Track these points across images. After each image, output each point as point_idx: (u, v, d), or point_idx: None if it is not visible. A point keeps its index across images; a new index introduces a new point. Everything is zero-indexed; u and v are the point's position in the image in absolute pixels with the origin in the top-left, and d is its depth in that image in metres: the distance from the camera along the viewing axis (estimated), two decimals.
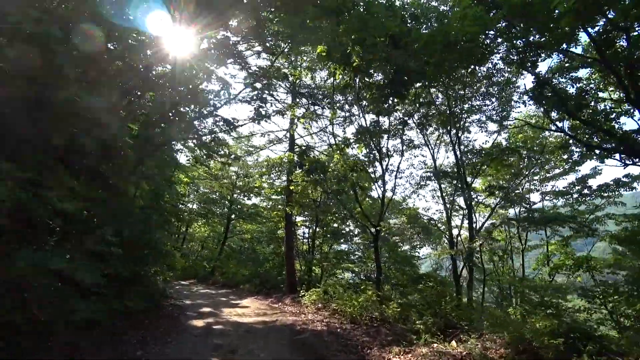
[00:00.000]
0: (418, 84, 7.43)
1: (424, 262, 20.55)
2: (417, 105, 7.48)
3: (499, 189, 11.89)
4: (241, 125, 10.01)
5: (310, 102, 15.75)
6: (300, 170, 9.44)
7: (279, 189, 13.08)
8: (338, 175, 9.42)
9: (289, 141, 16.30)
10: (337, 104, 14.81)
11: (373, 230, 11.52)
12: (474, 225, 12.87)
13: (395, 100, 7.38)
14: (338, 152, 7.55)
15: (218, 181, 20.14)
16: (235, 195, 26.41)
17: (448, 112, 11.78)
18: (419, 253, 17.13)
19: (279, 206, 21.17)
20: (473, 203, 12.78)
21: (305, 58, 13.77)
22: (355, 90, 9.75)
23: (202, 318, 8.97)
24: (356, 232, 19.79)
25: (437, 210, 16.34)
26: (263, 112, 8.96)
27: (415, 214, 17.23)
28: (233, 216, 27.47)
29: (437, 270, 24.60)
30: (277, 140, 17.15)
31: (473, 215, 12.84)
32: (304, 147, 7.95)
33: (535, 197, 16.89)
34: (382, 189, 11.62)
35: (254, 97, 8.77)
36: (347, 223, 19.73)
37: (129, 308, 7.13)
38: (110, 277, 6.51)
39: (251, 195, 28.53)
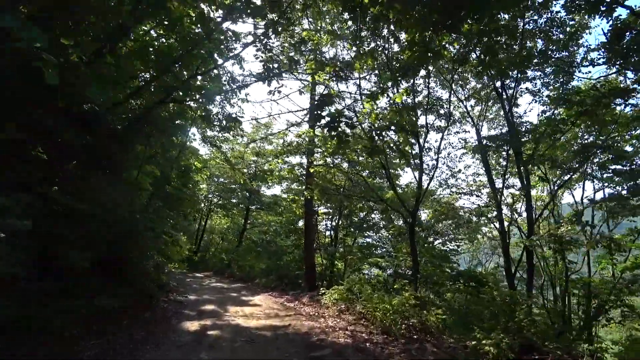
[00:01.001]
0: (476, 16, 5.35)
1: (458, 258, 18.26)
2: (474, 44, 5.48)
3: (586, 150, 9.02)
4: (249, 85, 8.28)
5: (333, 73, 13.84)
6: (319, 128, 7.57)
7: (294, 172, 11.25)
8: (369, 134, 7.37)
9: (310, 123, 14.55)
10: (365, 74, 12.83)
11: (408, 219, 9.50)
12: (533, 210, 10.52)
13: (445, 37, 5.38)
14: (370, 101, 5.74)
15: (236, 169, 18.63)
16: (254, 185, 25.10)
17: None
18: (457, 247, 14.85)
19: (298, 197, 19.55)
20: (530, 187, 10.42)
21: (326, 20, 11.82)
22: (386, 41, 7.74)
23: (199, 319, 7.39)
24: (382, 225, 17.81)
25: (474, 201, 14.00)
26: (271, 67, 7.15)
27: (450, 205, 15.01)
28: (252, 207, 26.23)
29: (476, 267, 22.15)
30: (297, 124, 15.46)
31: (531, 199, 10.48)
32: (324, 96, 6.16)
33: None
34: (418, 170, 9.55)
35: (259, 46, 6.96)
36: (374, 213, 17.80)
37: (102, 307, 5.64)
38: (73, 271, 5.00)
39: (270, 184, 27.25)
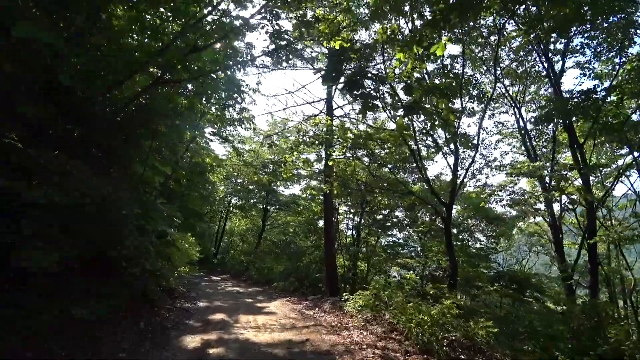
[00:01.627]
0: None
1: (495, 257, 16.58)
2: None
3: None
4: (255, 59, 7.21)
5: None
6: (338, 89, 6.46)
7: (310, 164, 10.12)
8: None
9: (327, 113, 13.43)
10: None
11: (443, 213, 8.17)
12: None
13: None
14: (404, 50, 4.55)
15: (251, 166, 17.65)
16: (271, 184, 24.29)
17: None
18: (494, 244, 13.27)
19: (316, 192, 18.47)
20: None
21: None
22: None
23: (204, 332, 6.39)
24: (406, 222, 16.40)
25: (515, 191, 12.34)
26: (281, 37, 6.05)
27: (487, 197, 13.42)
28: (270, 208, 25.45)
29: (515, 266, 20.28)
30: (314, 116, 14.37)
31: (590, 185, 8.85)
32: (343, 49, 5.04)
33: None
34: (453, 155, 8.21)
35: (266, 15, 5.89)
36: (397, 210, 16.45)
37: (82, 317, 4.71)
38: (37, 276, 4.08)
39: (285, 179, 26.36)
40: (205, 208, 28.07)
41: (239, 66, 6.84)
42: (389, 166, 11.82)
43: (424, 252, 12.79)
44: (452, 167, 8.37)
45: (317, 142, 9.95)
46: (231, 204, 28.38)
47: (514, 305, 9.85)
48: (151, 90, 6.92)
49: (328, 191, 10.38)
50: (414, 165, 15.47)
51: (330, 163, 10.98)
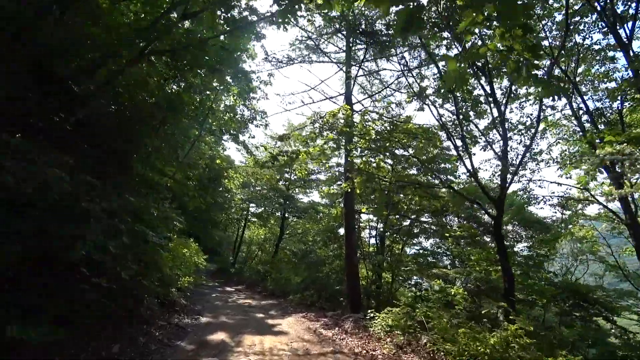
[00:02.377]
0: None
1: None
2: None
3: None
4: (257, 23, 6.02)
5: (371, 42, 11.38)
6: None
7: (326, 152, 8.76)
8: None
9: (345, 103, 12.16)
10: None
11: (491, 210, 6.57)
12: None
13: None
14: None
15: (266, 166, 16.31)
16: (289, 191, 23.18)
17: None
18: (545, 251, 11.34)
19: (336, 190, 17.11)
20: None
21: None
22: None
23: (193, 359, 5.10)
24: (433, 229, 14.69)
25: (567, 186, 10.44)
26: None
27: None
28: (288, 215, 24.29)
29: (566, 276, 17.99)
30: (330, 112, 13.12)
31: None
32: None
33: None
34: (502, 138, 6.64)
35: None
36: (424, 216, 14.85)
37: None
38: None
39: (307, 191, 25.19)
40: (220, 216, 27.41)
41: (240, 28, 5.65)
42: (417, 166, 10.34)
43: (460, 261, 11.05)
44: (499, 154, 6.80)
45: (335, 132, 8.62)
46: (249, 212, 27.44)
47: (580, 325, 7.98)
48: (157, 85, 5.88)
49: (349, 190, 8.98)
50: (444, 165, 13.91)
51: (350, 158, 9.65)
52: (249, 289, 17.34)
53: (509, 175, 7.59)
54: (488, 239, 12.67)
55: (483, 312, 5.86)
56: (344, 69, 13.18)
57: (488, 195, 6.74)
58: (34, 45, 5.60)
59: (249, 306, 11.23)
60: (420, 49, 10.42)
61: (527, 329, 4.47)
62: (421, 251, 15.54)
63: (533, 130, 8.38)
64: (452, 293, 6.58)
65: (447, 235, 12.12)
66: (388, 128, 9.17)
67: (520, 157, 7.51)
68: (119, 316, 5.73)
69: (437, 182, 8.15)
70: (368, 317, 7.69)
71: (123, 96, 7.45)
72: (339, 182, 19.20)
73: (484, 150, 9.19)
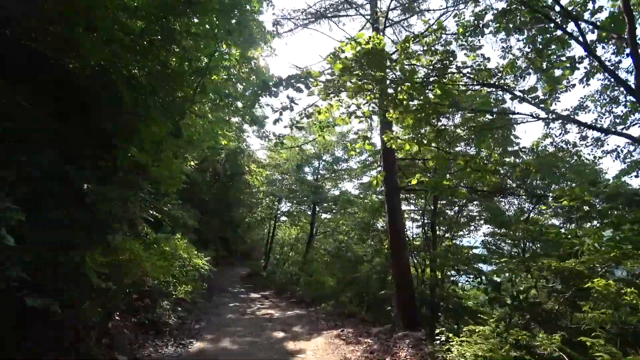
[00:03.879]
0: None
1: None
2: None
3: None
4: None
5: None
6: None
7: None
8: None
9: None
10: None
11: None
12: None
13: None
14: None
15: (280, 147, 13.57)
16: (318, 182, 20.74)
17: None
18: None
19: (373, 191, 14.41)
20: None
21: None
22: None
23: None
24: (485, 217, 11.79)
25: None
26: None
27: None
28: (320, 211, 21.87)
29: None
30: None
31: None
32: None
33: None
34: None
35: None
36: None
37: None
38: None
39: (338, 182, 22.57)
40: (247, 215, 25.45)
41: None
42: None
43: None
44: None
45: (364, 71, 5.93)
46: (278, 211, 25.26)
47: None
48: None
49: (389, 142, 6.24)
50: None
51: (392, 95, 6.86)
52: (277, 295, 14.99)
53: None
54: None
55: None
56: (371, 20, 10.40)
57: None
58: None
59: (269, 319, 8.79)
60: None
61: None
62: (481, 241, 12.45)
63: None
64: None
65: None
66: (440, 64, 6.30)
67: None
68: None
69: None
70: (438, 340, 4.90)
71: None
72: (373, 171, 16.34)
73: (585, 83, 6.04)
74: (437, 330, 5.01)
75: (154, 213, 6.10)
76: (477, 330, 4.51)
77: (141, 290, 6.78)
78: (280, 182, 23.10)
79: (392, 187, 7.96)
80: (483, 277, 8.76)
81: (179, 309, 8.34)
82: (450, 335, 4.77)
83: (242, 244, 30.39)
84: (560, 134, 7.15)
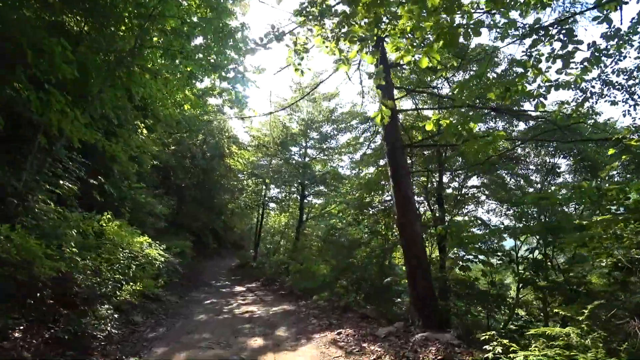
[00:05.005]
0: None
1: None
2: None
3: None
4: None
5: None
6: None
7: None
8: None
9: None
10: None
11: None
12: None
13: None
14: None
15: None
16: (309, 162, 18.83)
17: None
18: None
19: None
20: None
21: None
22: None
23: None
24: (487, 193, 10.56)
25: None
26: None
27: None
28: (309, 195, 20.09)
29: None
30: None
31: None
32: None
33: None
34: None
35: None
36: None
37: None
38: None
39: (327, 161, 20.67)
40: (232, 203, 23.49)
41: None
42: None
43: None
44: None
45: None
46: (265, 197, 23.37)
47: None
48: None
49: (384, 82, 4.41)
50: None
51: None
52: (265, 287, 13.28)
53: None
54: None
55: None
56: None
57: None
58: None
59: (249, 319, 7.03)
60: None
61: None
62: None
63: None
64: None
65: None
66: None
67: None
68: None
69: None
70: (489, 351, 3.19)
71: None
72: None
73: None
74: (484, 335, 3.30)
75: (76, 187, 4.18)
76: (555, 334, 2.82)
77: (67, 293, 4.99)
78: (267, 165, 21.18)
79: (395, 146, 6.13)
80: (505, 255, 7.12)
81: (135, 312, 6.60)
82: (506, 342, 3.08)
83: (232, 234, 28.57)
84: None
